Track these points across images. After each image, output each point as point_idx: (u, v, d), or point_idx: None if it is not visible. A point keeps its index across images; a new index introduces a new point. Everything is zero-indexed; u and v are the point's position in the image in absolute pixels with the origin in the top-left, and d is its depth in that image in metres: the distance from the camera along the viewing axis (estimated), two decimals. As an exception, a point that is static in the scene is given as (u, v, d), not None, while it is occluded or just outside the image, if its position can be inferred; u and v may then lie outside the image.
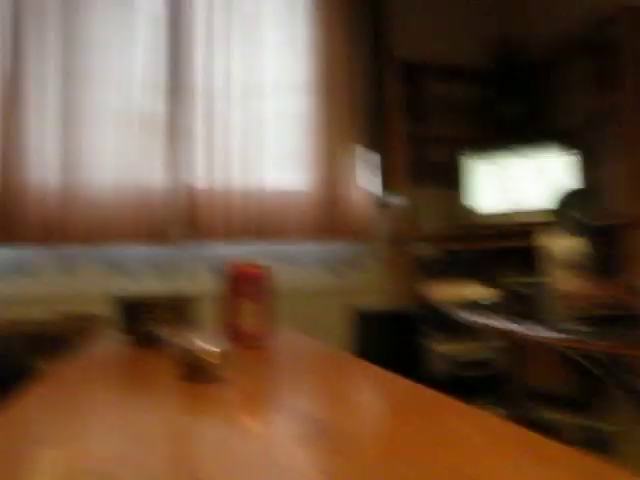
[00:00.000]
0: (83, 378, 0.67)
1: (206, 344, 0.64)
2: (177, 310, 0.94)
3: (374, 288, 2.95)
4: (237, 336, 0.93)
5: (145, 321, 0.94)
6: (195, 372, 0.64)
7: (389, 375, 0.66)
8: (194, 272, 2.77)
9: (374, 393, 0.61)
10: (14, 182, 2.45)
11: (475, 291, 2.23)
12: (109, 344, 0.99)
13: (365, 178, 2.91)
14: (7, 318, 2.34)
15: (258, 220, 2.74)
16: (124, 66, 2.65)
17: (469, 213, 2.86)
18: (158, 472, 0.34)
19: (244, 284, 0.94)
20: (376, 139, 2.99)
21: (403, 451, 0.38)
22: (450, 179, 3.07)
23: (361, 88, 2.92)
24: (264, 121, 2.81)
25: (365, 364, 0.75)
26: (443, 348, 2.51)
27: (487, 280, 2.54)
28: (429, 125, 2.84)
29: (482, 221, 2.81)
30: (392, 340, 2.41)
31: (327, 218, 2.83)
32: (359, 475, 0.33)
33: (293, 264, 2.89)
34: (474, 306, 1.73)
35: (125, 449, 0.39)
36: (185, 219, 2.68)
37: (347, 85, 2.88)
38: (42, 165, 2.53)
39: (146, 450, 0.39)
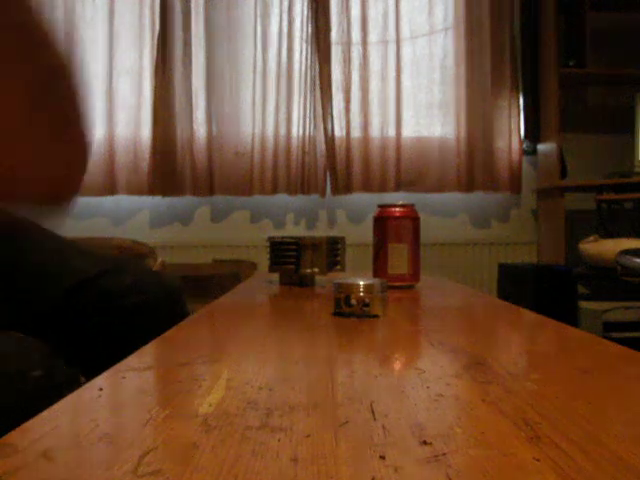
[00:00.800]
0: (238, 312, 0.72)
1: (359, 281, 0.65)
2: (327, 250, 0.96)
3: (521, 241, 2.82)
4: (385, 277, 0.94)
5: (296, 262, 0.97)
6: (348, 308, 0.65)
7: (544, 319, 0.62)
8: (336, 220, 2.83)
9: (530, 334, 0.59)
10: (168, 138, 2.64)
11: (635, 246, 2.04)
12: (260, 285, 1.04)
13: (512, 124, 2.75)
14: (167, 262, 2.55)
15: (397, 169, 2.71)
16: (262, 21, 2.70)
17: (630, 160, 2.60)
18: (317, 392, 0.36)
19: (392, 225, 0.94)
20: (527, 82, 2.80)
21: (564, 387, 0.36)
22: (609, 123, 2.80)
23: (509, 25, 2.72)
24: (402, 68, 2.73)
25: (516, 308, 0.72)
26: (594, 307, 2.35)
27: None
28: (586, 64, 2.59)
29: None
30: (538, 296, 2.30)
31: (472, 168, 2.73)
32: (518, 403, 0.32)
33: (436, 214, 2.84)
34: (639, 252, 1.58)
35: (283, 370, 0.41)
36: (324, 169, 2.72)
37: (493, 23, 2.70)
38: (192, 121, 2.69)
39: (304, 373, 0.40)
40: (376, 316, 0.64)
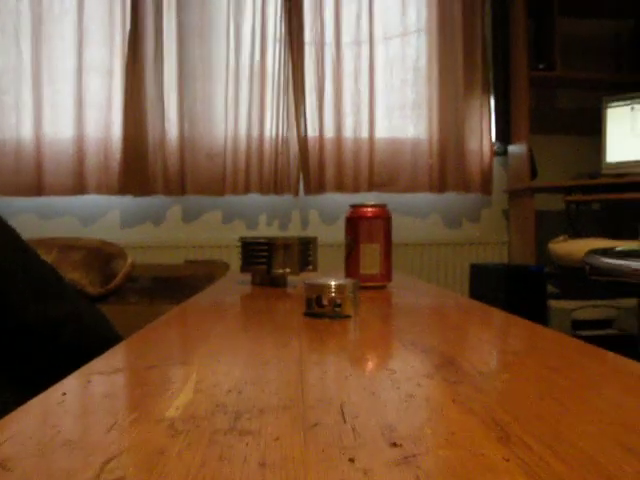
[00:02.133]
0: (208, 313, 0.71)
1: (330, 281, 0.65)
2: (299, 251, 0.95)
3: (492, 241, 2.86)
4: (357, 277, 0.93)
5: (267, 262, 0.96)
6: (319, 308, 0.65)
7: (514, 318, 0.63)
8: (309, 220, 2.82)
9: (500, 333, 0.59)
10: (140, 137, 2.60)
11: (603, 246, 2.08)
12: (232, 286, 1.03)
13: (484, 125, 2.78)
14: (138, 262, 2.50)
15: (370, 170, 2.72)
16: (235, 20, 2.68)
17: (598, 162, 2.66)
18: (287, 394, 0.35)
19: (363, 225, 0.94)
20: (498, 84, 2.83)
21: (533, 386, 0.36)
22: (578, 126, 2.86)
23: (481, 28, 2.76)
24: (376, 69, 2.74)
25: (487, 307, 0.72)
26: (563, 306, 2.39)
27: (616, 235, 2.35)
28: (556, 67, 2.63)
29: (612, 171, 2.60)
30: (508, 295, 2.33)
31: (444, 168, 2.75)
32: (488, 403, 0.32)
33: (408, 215, 2.86)
34: (607, 252, 1.61)
35: (253, 372, 0.41)
36: (297, 170, 2.72)
37: (465, 25, 2.73)
38: (163, 120, 2.65)
39: (274, 375, 0.40)
40: (348, 316, 0.64)
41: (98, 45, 2.63)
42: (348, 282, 0.65)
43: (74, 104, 2.61)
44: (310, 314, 0.65)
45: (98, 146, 2.62)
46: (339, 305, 0.64)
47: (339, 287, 0.64)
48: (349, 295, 0.64)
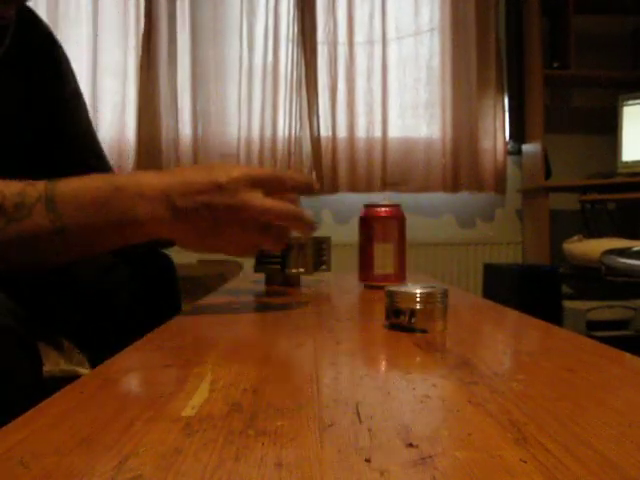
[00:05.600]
0: (222, 313, 0.71)
1: (412, 289, 0.54)
2: (313, 251, 0.95)
3: (506, 241, 2.84)
4: (371, 277, 0.93)
5: (281, 262, 0.96)
6: (396, 320, 0.54)
7: (529, 319, 0.63)
8: (322, 220, 2.82)
9: (515, 333, 0.59)
10: (154, 138, 2.61)
11: (619, 246, 2.06)
12: (245, 285, 1.03)
13: (497, 124, 2.76)
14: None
15: (383, 169, 2.71)
16: (248, 20, 2.69)
17: (614, 161, 2.63)
18: (302, 394, 0.35)
19: (378, 225, 0.93)
20: (512, 82, 2.81)
21: (549, 387, 0.36)
22: (593, 124, 2.83)
23: (494, 26, 2.74)
24: (389, 68, 2.74)
25: (501, 307, 0.72)
26: (578, 307, 2.36)
27: (632, 235, 2.32)
28: (570, 65, 2.61)
29: (628, 170, 2.56)
30: (522, 296, 2.31)
31: (457, 168, 2.73)
32: (504, 404, 0.31)
33: (421, 214, 2.84)
34: (624, 252, 1.59)
35: (268, 371, 0.41)
36: (310, 169, 2.72)
37: (479, 24, 2.71)
38: (177, 121, 2.66)
39: (289, 375, 0.40)
40: (424, 331, 0.53)
41: (112, 47, 2.65)
42: (431, 291, 0.54)
43: (89, 106, 2.62)
44: (391, 326, 0.56)
45: (112, 147, 2.64)
46: (415, 317, 0.53)
47: (421, 296, 0.53)
48: (428, 307, 0.53)
